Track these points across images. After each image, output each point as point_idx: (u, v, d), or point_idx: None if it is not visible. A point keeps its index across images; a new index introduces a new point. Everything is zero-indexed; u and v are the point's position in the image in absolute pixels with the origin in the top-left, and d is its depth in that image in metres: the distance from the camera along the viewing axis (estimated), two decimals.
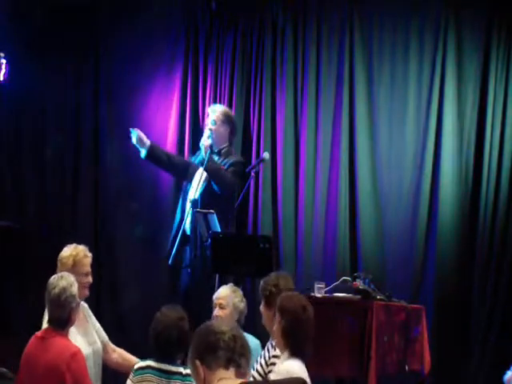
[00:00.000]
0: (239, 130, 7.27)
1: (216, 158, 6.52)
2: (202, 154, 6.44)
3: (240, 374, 2.96)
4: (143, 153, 6.64)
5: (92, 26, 7.82)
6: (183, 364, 4.09)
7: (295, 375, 3.78)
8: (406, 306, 6.04)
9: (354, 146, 7.01)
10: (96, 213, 7.75)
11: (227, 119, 6.62)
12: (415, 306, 6.14)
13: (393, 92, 6.97)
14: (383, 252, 6.89)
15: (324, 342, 5.44)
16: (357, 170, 6.99)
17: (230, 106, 7.33)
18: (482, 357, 6.59)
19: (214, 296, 5.35)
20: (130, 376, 4.14)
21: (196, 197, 6.31)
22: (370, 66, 7.01)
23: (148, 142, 6.61)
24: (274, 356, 4.29)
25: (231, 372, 2.95)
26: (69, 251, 4.68)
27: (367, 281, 6.05)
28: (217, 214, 6.09)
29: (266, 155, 6.64)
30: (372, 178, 6.96)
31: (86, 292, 4.68)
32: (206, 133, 6.54)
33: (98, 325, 4.86)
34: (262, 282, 4.56)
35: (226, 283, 5.65)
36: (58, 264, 4.66)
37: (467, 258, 6.72)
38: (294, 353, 3.99)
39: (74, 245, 4.73)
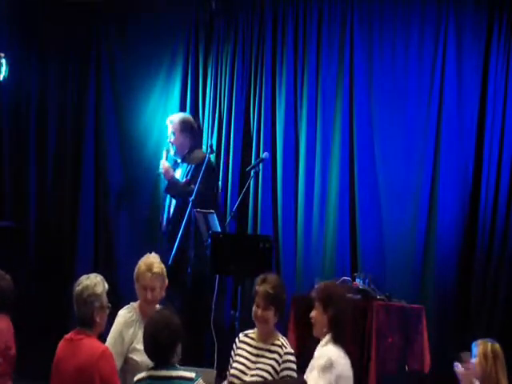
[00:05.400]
0: (239, 129, 7.28)
1: (185, 165, 6.81)
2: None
3: None
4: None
5: (93, 26, 7.84)
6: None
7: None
8: (406, 306, 6.06)
9: (354, 145, 7.01)
10: (96, 213, 7.76)
11: (185, 127, 6.88)
12: (415, 305, 6.15)
13: (393, 90, 6.95)
14: (383, 252, 6.88)
15: None
16: (357, 169, 6.98)
17: (229, 106, 7.35)
18: None
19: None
20: None
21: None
22: (371, 64, 7.00)
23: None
24: (287, 353, 4.29)
25: None
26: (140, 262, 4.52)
27: (367, 281, 6.06)
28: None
29: (266, 155, 6.66)
30: (372, 178, 6.95)
31: (151, 307, 4.48)
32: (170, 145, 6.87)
33: None
34: (269, 288, 4.38)
35: (225, 283, 5.63)
36: None
37: (467, 257, 6.70)
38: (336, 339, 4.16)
39: (147, 254, 4.57)
